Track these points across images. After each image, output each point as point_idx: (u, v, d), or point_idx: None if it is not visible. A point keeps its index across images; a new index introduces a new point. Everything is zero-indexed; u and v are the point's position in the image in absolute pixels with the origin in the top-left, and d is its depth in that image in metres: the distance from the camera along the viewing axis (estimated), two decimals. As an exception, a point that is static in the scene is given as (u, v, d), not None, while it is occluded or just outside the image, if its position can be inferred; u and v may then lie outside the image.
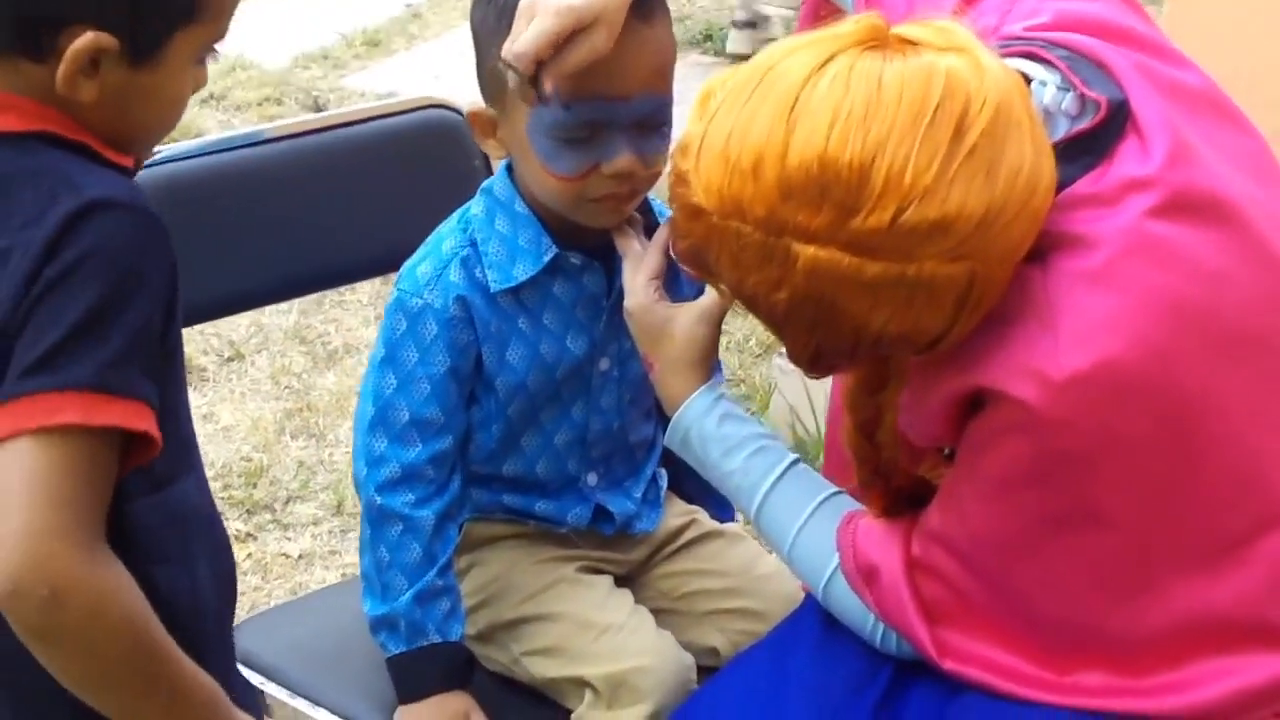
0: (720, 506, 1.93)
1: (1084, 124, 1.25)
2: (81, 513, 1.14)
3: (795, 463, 1.51)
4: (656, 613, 1.79)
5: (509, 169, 1.66)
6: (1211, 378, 1.23)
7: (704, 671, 1.75)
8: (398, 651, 1.66)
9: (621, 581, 1.81)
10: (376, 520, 1.66)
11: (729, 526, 1.89)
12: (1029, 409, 1.21)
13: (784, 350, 1.36)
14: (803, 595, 1.71)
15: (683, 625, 1.80)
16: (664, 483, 1.86)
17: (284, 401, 3.37)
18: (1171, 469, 1.24)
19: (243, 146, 1.82)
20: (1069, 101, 1.27)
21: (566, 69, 1.46)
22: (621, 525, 1.79)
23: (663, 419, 1.86)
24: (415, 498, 1.65)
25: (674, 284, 1.75)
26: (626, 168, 1.55)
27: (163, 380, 1.23)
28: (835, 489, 1.51)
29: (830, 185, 1.15)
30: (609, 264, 1.68)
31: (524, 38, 1.44)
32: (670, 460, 1.90)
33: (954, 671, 1.36)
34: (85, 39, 1.18)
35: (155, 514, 1.27)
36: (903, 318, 1.20)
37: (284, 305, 3.67)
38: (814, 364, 1.29)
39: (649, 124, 1.56)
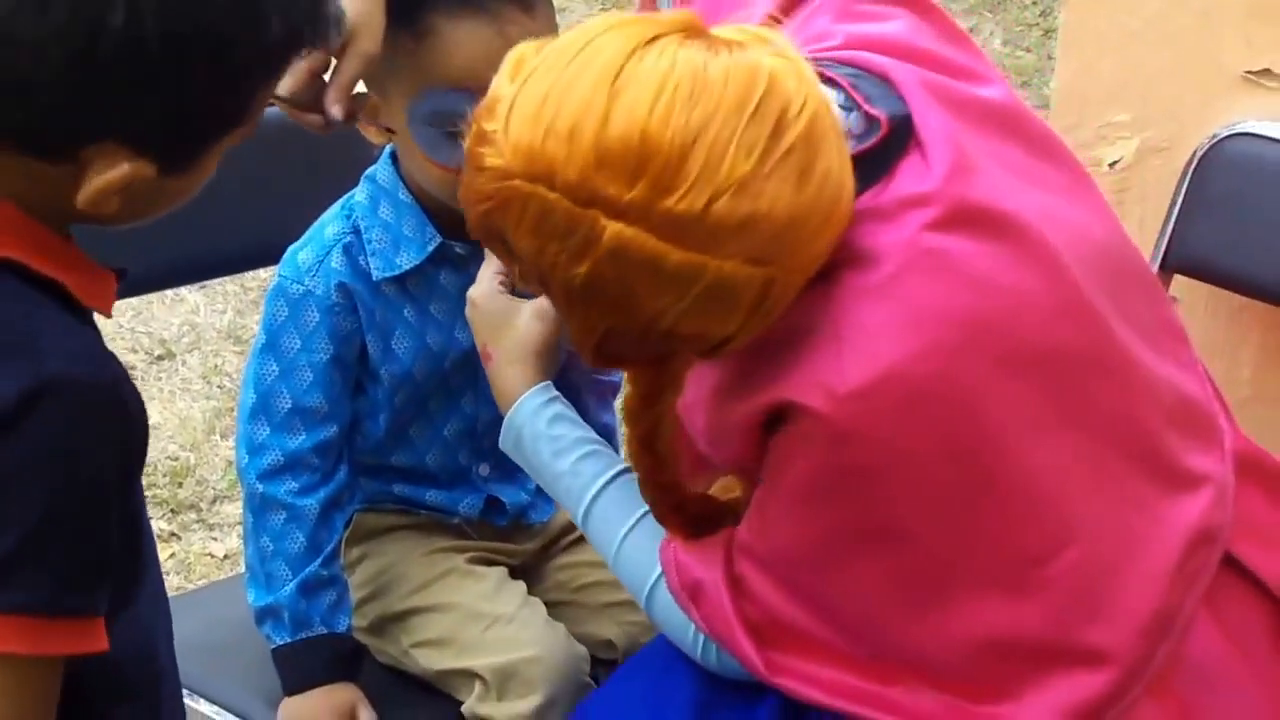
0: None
1: (867, 143, 1.24)
2: None
3: (625, 470, 1.47)
4: (553, 605, 1.78)
5: (393, 156, 1.65)
6: (998, 390, 1.22)
7: (600, 664, 1.75)
8: (282, 643, 1.65)
9: (517, 573, 1.80)
10: (259, 509, 1.64)
11: (624, 518, 1.88)
12: (820, 420, 1.20)
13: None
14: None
15: (579, 617, 1.78)
16: (558, 474, 1.85)
17: (214, 401, 3.34)
18: (963, 484, 1.23)
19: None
20: (854, 120, 1.25)
21: (344, 84, 1.44)
22: (514, 516, 1.78)
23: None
24: (299, 486, 1.64)
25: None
26: None
27: (129, 548, 1.16)
28: None
29: (649, 160, 1.12)
30: (496, 252, 1.67)
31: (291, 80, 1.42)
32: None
33: (784, 687, 1.34)
34: (120, 173, 1.07)
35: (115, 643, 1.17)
36: (697, 314, 1.17)
37: (219, 304, 3.65)
38: (598, 351, 1.25)
39: None
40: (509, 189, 1.16)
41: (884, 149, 1.24)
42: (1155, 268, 1.96)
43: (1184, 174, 1.96)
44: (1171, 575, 1.28)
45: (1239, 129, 1.93)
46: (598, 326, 1.21)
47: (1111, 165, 2.07)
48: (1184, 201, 1.96)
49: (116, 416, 1.10)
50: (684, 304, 1.16)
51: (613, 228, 1.13)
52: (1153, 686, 1.28)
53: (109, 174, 1.07)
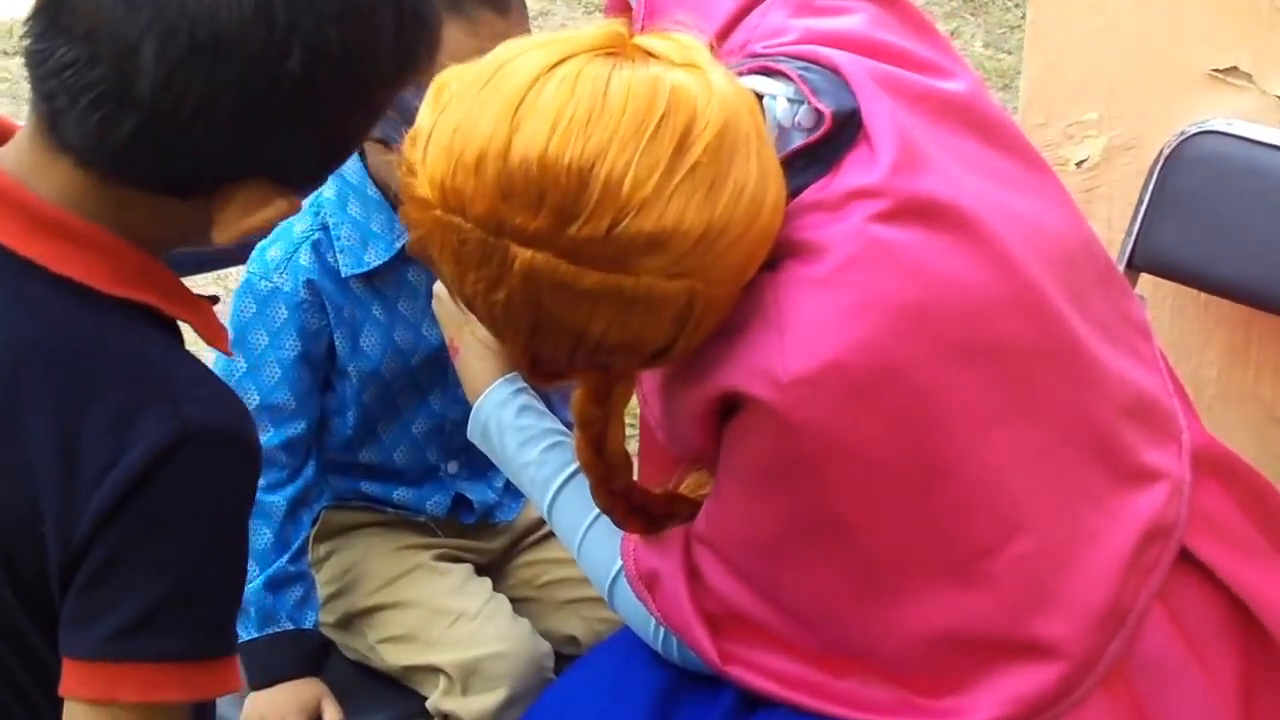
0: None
1: (813, 136, 1.25)
2: None
3: None
4: (518, 601, 1.79)
5: (361, 152, 1.66)
6: (944, 381, 1.23)
7: (565, 659, 1.76)
8: (248, 638, 1.65)
9: (483, 570, 1.81)
10: (226, 505, 1.65)
11: (591, 515, 1.89)
12: (766, 409, 1.20)
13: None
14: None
15: (543, 613, 1.80)
16: (526, 471, 1.86)
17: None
18: (910, 473, 1.24)
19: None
20: (803, 114, 1.26)
21: None
22: (482, 514, 1.79)
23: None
24: (266, 482, 1.64)
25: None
26: None
27: None
28: None
29: (549, 188, 1.13)
30: (463, 250, 1.67)
31: None
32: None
33: (738, 678, 1.34)
34: (277, 210, 1.05)
35: None
36: (621, 329, 1.18)
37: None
38: (533, 369, 1.26)
39: None
40: (431, 219, 1.18)
41: (829, 142, 1.25)
42: (1122, 266, 1.97)
43: (1151, 172, 1.96)
44: (1124, 569, 1.29)
45: (1205, 127, 1.93)
46: (528, 347, 1.23)
47: (1079, 164, 2.08)
48: (1151, 200, 1.96)
49: (250, 461, 1.10)
50: (605, 321, 1.18)
51: (524, 255, 1.15)
52: (1105, 680, 1.29)
53: (264, 212, 1.05)
